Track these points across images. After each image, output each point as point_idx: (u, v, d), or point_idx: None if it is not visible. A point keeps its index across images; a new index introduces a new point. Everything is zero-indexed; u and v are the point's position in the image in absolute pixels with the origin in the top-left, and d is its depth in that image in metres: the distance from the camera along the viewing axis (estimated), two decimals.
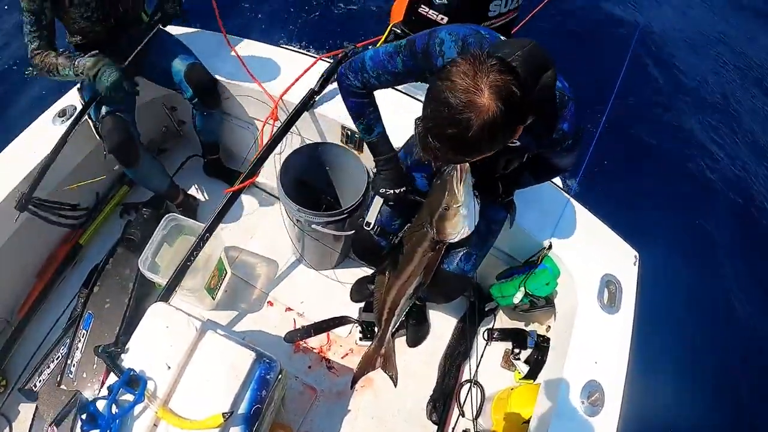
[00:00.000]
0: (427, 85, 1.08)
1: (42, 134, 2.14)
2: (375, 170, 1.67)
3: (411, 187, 1.64)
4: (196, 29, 2.50)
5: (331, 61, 2.25)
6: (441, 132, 1.00)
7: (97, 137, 2.08)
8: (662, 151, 4.15)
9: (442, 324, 2.40)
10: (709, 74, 5.05)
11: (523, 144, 1.31)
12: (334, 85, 2.22)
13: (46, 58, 1.90)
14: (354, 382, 1.82)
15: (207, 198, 2.70)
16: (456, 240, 1.46)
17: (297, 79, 2.23)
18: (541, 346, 2.08)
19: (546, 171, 1.62)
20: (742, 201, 3.99)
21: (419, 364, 2.29)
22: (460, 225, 1.40)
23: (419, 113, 1.09)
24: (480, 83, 0.95)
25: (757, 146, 4.48)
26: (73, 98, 2.24)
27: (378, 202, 1.74)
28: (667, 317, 2.94)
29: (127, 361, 1.52)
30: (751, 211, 3.94)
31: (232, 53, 2.33)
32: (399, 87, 2.23)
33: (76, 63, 1.90)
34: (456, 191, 1.35)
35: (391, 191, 1.61)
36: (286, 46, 2.53)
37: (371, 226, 1.74)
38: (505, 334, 2.28)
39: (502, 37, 1.26)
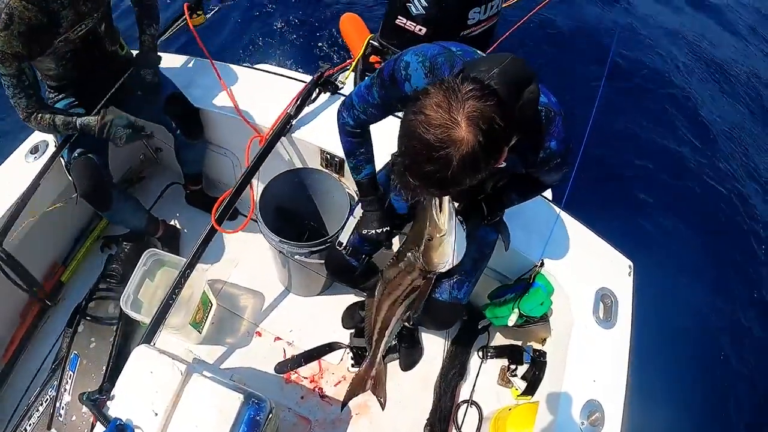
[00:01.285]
0: None
1: (14, 172, 2.13)
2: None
3: (395, 226, 1.67)
4: (173, 54, 2.51)
5: (307, 83, 2.25)
6: (419, 170, 0.97)
7: (69, 176, 2.07)
8: (651, 158, 4.23)
9: (435, 345, 2.40)
10: (697, 80, 5.17)
11: (509, 165, 1.29)
12: (310, 108, 2.23)
13: (42, 120, 1.86)
14: (344, 404, 1.81)
15: (189, 227, 2.69)
16: (445, 269, 1.46)
17: (283, 112, 2.21)
18: (538, 360, 2.09)
19: (532, 189, 1.61)
20: (733, 207, 4.08)
21: (414, 387, 2.30)
22: (447, 254, 1.40)
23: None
24: (456, 115, 0.91)
25: (748, 152, 4.57)
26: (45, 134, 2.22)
27: (352, 223, 1.78)
28: (664, 327, 2.97)
29: (114, 408, 1.51)
30: (742, 217, 4.03)
31: (211, 79, 2.34)
32: None
33: (78, 124, 1.89)
34: (437, 221, 1.34)
35: (374, 231, 1.65)
36: (262, 68, 2.54)
37: (343, 246, 1.78)
38: (499, 351, 2.30)
39: (478, 52, 1.24)
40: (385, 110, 1.44)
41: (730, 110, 4.96)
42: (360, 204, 1.70)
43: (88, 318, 2.24)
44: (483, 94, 0.93)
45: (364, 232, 1.67)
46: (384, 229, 1.64)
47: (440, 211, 1.33)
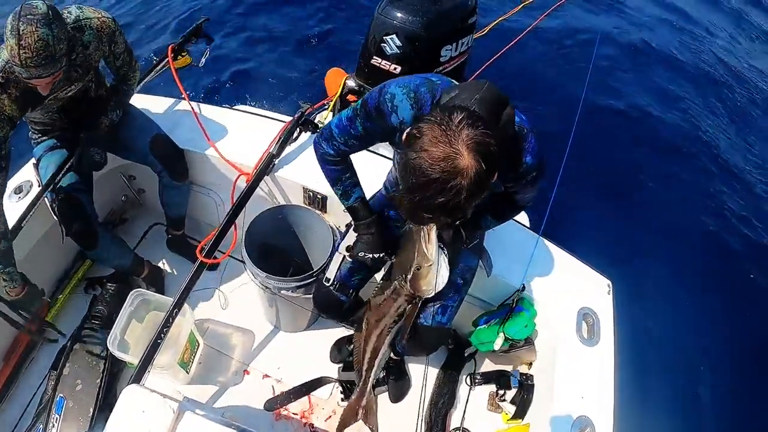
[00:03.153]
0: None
1: None
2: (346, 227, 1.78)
3: (390, 251, 1.70)
4: (158, 96, 2.61)
5: (288, 122, 2.36)
6: (432, 203, 1.02)
7: (54, 216, 2.11)
8: (625, 179, 4.45)
9: (423, 375, 2.42)
10: (673, 95, 5.48)
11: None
12: (293, 146, 2.34)
13: None
14: None
15: (173, 267, 2.73)
16: (432, 294, 1.55)
17: (265, 152, 2.30)
18: (526, 384, 2.15)
19: (507, 209, 1.68)
20: (709, 220, 4.28)
21: (404, 418, 2.33)
22: (433, 281, 1.50)
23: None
24: (457, 145, 0.98)
25: (725, 164, 4.83)
26: (29, 173, 2.29)
27: (338, 258, 1.84)
28: (646, 340, 3.09)
29: None
30: (720, 231, 4.22)
31: (194, 121, 2.41)
32: None
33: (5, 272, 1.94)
34: (426, 251, 1.43)
35: (370, 256, 1.69)
36: (244, 109, 2.65)
37: (330, 282, 1.84)
38: (487, 377, 2.36)
39: (454, 81, 1.33)
40: (368, 142, 1.51)
41: (706, 126, 5.23)
42: (353, 228, 1.74)
43: (74, 360, 2.25)
44: (473, 121, 1.01)
45: (360, 255, 1.69)
46: (380, 255, 1.67)
47: (428, 242, 1.43)
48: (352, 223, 1.81)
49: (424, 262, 1.45)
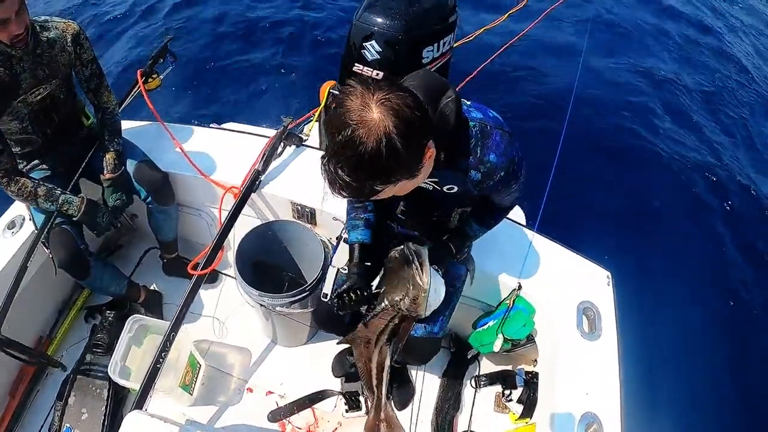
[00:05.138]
0: None
1: None
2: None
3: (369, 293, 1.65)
4: (140, 122, 2.64)
5: (271, 137, 2.39)
6: (340, 158, 1.00)
7: (45, 249, 2.15)
8: (621, 168, 4.48)
9: (428, 380, 2.48)
10: (666, 93, 5.54)
11: (460, 187, 1.37)
12: (278, 161, 2.36)
13: (23, 186, 1.98)
14: None
15: (171, 291, 2.76)
16: (429, 313, 1.53)
17: (251, 169, 2.31)
18: (531, 382, 2.16)
19: (491, 214, 1.65)
20: (711, 206, 4.29)
21: (411, 424, 2.36)
22: (431, 305, 1.50)
23: None
24: (368, 100, 0.97)
25: (720, 156, 4.86)
26: (20, 208, 2.33)
27: (332, 272, 1.84)
28: (649, 332, 3.08)
29: None
30: (721, 216, 4.22)
31: (176, 145, 2.44)
32: None
33: (60, 199, 2.03)
34: (420, 283, 1.39)
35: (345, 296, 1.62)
36: (226, 127, 2.68)
37: (328, 297, 1.83)
38: (492, 378, 2.37)
39: None
40: None
41: (697, 119, 5.28)
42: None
43: (78, 389, 2.29)
44: (392, 86, 1.01)
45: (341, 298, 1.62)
46: (359, 293, 1.59)
47: (422, 272, 1.41)
48: (341, 235, 1.82)
49: (421, 293, 1.41)
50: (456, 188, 1.38)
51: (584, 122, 4.52)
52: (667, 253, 3.76)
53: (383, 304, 1.54)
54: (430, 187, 1.43)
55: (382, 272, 1.58)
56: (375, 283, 1.66)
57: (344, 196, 1.11)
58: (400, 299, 1.45)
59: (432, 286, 1.44)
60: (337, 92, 2.70)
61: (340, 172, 1.02)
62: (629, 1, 6.99)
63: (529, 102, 4.61)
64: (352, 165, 1.00)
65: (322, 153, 1.08)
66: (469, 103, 1.32)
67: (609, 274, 2.16)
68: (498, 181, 1.33)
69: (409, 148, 1.00)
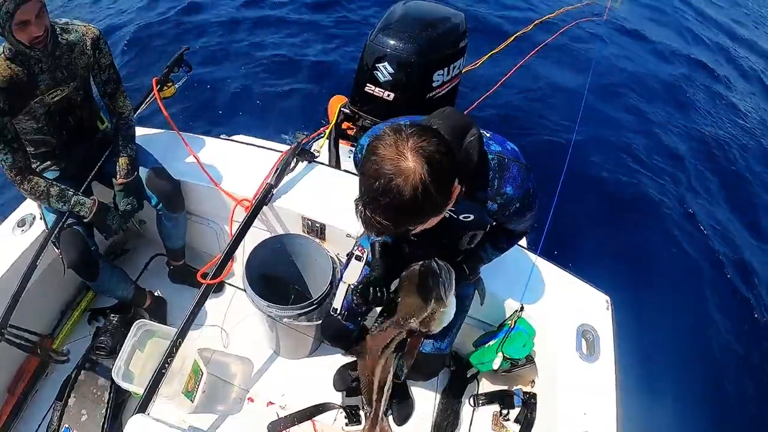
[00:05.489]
0: None
1: (1, 246, 2.25)
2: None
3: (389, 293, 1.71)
4: (153, 129, 2.67)
5: (285, 152, 2.43)
6: (377, 205, 1.05)
7: (55, 249, 2.17)
8: (621, 196, 4.58)
9: (426, 398, 2.50)
10: (665, 121, 5.67)
11: (476, 216, 1.43)
12: (291, 176, 2.41)
13: (36, 185, 2.02)
14: None
15: (175, 298, 2.78)
16: (438, 331, 1.59)
17: (263, 182, 2.36)
18: (529, 402, 2.19)
19: (506, 239, 1.72)
20: (709, 234, 4.39)
21: None
22: (444, 321, 1.54)
23: None
24: (402, 149, 1.02)
25: (717, 186, 4.97)
26: (31, 206, 2.36)
27: (343, 288, 1.88)
28: (647, 355, 3.13)
29: None
30: (720, 245, 4.32)
31: (188, 151, 2.49)
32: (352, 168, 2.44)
33: (72, 200, 2.07)
34: (444, 299, 1.47)
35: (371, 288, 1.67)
36: (237, 139, 2.73)
37: (338, 312, 1.88)
38: (490, 398, 2.39)
39: (424, 117, 1.37)
40: None
41: (700, 148, 5.41)
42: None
43: (78, 390, 2.30)
44: (424, 132, 1.06)
45: (365, 293, 1.66)
46: (381, 292, 1.66)
47: (448, 289, 1.47)
48: (352, 251, 1.87)
49: (440, 307, 1.48)
50: (472, 217, 1.44)
51: (585, 157, 4.61)
52: (668, 279, 3.84)
53: (395, 317, 1.60)
54: (447, 215, 1.48)
55: (398, 284, 1.64)
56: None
57: (380, 237, 1.16)
58: (417, 313, 1.50)
59: (450, 305, 1.50)
60: (347, 110, 2.78)
61: (377, 216, 1.07)
62: (633, 46, 7.18)
63: (532, 137, 4.70)
64: (389, 211, 1.05)
65: (356, 196, 1.13)
66: (488, 135, 1.38)
67: (608, 298, 2.21)
68: (513, 211, 1.39)
69: (441, 191, 1.06)
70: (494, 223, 1.55)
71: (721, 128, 5.95)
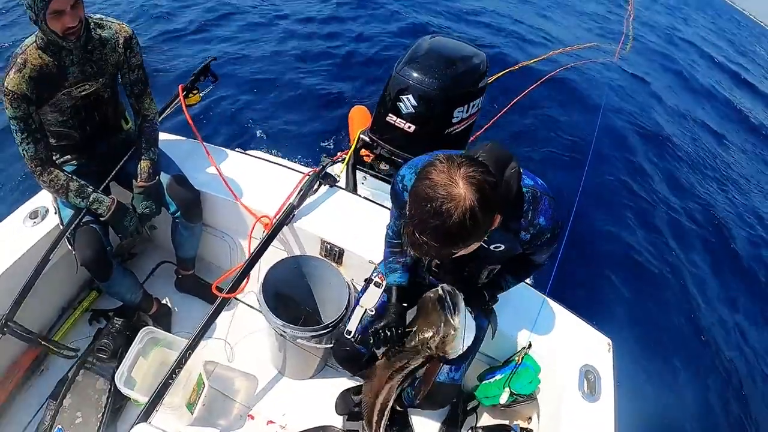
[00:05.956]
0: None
1: (13, 235, 2.23)
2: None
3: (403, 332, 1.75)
4: (175, 136, 2.69)
5: (309, 174, 2.47)
6: (426, 226, 1.12)
7: (68, 245, 2.16)
8: (624, 242, 4.67)
9: (427, 427, 2.51)
10: (673, 160, 5.81)
11: (507, 246, 1.50)
12: (312, 198, 2.45)
13: (56, 178, 2.02)
14: None
15: (180, 306, 2.77)
16: (458, 355, 1.62)
17: (286, 201, 2.40)
18: None
19: (524, 269, 1.80)
20: (710, 283, 4.52)
21: None
22: (459, 344, 1.57)
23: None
24: (454, 176, 1.10)
25: (724, 228, 5.10)
26: (44, 198, 2.36)
27: (359, 312, 1.93)
28: (646, 397, 3.18)
29: None
30: (720, 295, 4.46)
31: (209, 162, 2.51)
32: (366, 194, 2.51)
33: (91, 197, 2.07)
34: (452, 321, 1.52)
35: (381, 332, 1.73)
36: (256, 154, 2.75)
37: (351, 335, 1.92)
38: (489, 431, 2.43)
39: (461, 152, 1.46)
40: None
41: (706, 190, 5.53)
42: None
43: (75, 391, 2.26)
44: (474, 162, 1.15)
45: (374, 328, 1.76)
46: (392, 331, 1.71)
47: (454, 312, 1.52)
48: (371, 277, 1.92)
49: (451, 330, 1.53)
50: (503, 247, 1.51)
51: (599, 188, 4.72)
52: (667, 325, 3.92)
53: (413, 342, 1.64)
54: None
55: (415, 312, 1.70)
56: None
57: (424, 257, 1.21)
58: (431, 337, 1.55)
59: (465, 326, 1.54)
60: (367, 138, 2.83)
61: (425, 238, 1.14)
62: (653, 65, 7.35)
63: (545, 158, 4.81)
64: (437, 233, 1.12)
65: (407, 221, 1.20)
66: (522, 171, 1.46)
67: (609, 341, 2.27)
68: (544, 242, 1.49)
69: (486, 219, 1.15)
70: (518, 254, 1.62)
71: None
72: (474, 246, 1.25)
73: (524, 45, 7.44)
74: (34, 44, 1.88)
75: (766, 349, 4.20)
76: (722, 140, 7.15)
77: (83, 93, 2.06)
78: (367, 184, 3.03)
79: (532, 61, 4.74)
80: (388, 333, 1.68)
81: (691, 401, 3.57)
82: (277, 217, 2.30)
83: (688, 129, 6.89)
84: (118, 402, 2.31)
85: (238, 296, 2.75)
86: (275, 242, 2.36)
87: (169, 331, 2.59)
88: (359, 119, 2.85)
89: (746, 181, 6.27)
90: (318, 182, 2.47)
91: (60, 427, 2.19)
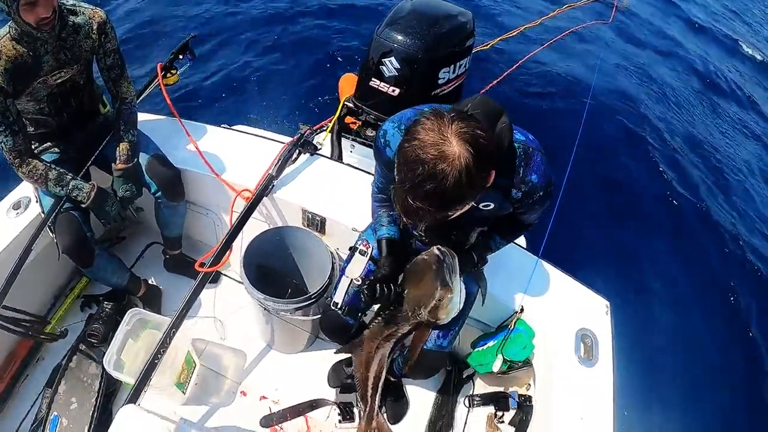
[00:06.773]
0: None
1: None
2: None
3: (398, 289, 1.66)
4: (155, 116, 2.64)
5: (288, 144, 2.40)
6: (419, 191, 1.04)
7: (50, 233, 2.14)
8: (623, 198, 4.55)
9: (422, 397, 2.48)
10: (670, 119, 5.65)
11: (497, 204, 1.42)
12: (292, 168, 2.38)
13: (34, 168, 1.99)
14: None
15: (170, 287, 2.75)
16: (448, 321, 1.55)
17: (266, 173, 2.33)
18: (524, 405, 2.17)
19: (514, 229, 1.72)
20: (710, 239, 4.37)
21: None
22: (453, 309, 1.50)
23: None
24: (446, 133, 1.02)
25: (724, 187, 4.98)
26: (26, 189, 2.33)
27: (345, 282, 1.84)
28: (645, 362, 3.12)
29: None
30: (721, 251, 4.32)
31: (191, 142, 2.45)
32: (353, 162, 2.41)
33: (71, 185, 2.04)
34: (450, 284, 1.43)
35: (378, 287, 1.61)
36: (239, 129, 2.69)
37: (339, 306, 1.85)
38: (485, 399, 2.37)
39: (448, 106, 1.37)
40: (387, 179, 1.57)
41: (708, 147, 5.42)
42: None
43: (69, 378, 2.27)
44: (466, 117, 1.07)
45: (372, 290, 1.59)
46: (390, 289, 1.58)
47: (453, 274, 1.43)
48: (356, 245, 1.84)
49: (447, 293, 1.45)
50: (492, 205, 1.42)
51: (594, 146, 4.59)
52: (668, 286, 3.83)
53: (403, 311, 1.57)
54: None
55: (403, 278, 1.61)
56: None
57: (420, 224, 1.18)
58: (424, 301, 1.47)
59: (456, 291, 1.46)
60: (351, 104, 2.75)
61: (419, 203, 1.06)
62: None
63: (538, 121, 4.69)
64: (433, 197, 1.04)
65: (394, 185, 1.12)
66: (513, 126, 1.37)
67: (608, 303, 2.19)
68: (536, 200, 1.40)
69: (483, 176, 1.07)
70: (503, 215, 1.53)
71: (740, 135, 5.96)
72: (469, 206, 1.16)
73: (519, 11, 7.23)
74: (8, 35, 1.83)
75: None
76: (729, 84, 6.91)
77: (59, 80, 2.02)
78: (355, 152, 2.95)
79: (529, 25, 4.58)
80: (386, 290, 1.56)
81: (695, 362, 3.50)
82: (257, 189, 2.23)
83: (684, 74, 6.68)
84: (111, 386, 2.31)
85: (225, 271, 2.75)
86: (257, 215, 2.31)
87: (160, 312, 2.58)
88: (349, 87, 2.75)
89: (755, 124, 6.06)
90: (297, 151, 2.40)
91: (56, 414, 2.19)
